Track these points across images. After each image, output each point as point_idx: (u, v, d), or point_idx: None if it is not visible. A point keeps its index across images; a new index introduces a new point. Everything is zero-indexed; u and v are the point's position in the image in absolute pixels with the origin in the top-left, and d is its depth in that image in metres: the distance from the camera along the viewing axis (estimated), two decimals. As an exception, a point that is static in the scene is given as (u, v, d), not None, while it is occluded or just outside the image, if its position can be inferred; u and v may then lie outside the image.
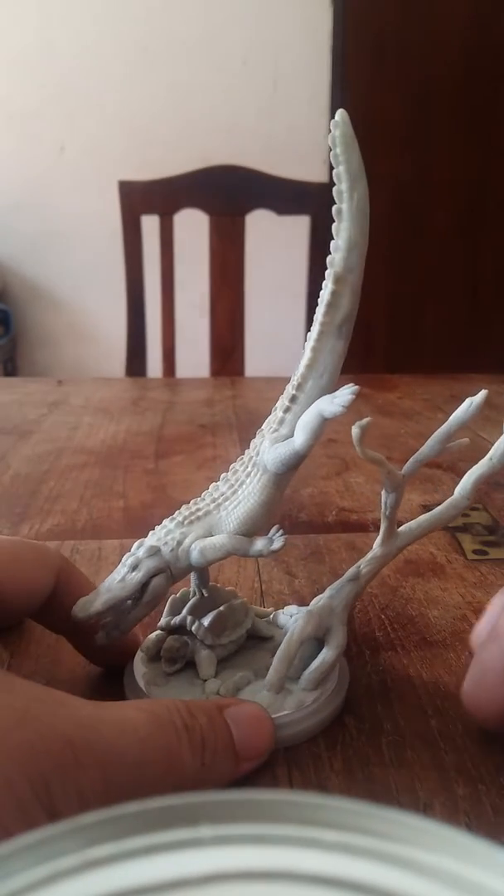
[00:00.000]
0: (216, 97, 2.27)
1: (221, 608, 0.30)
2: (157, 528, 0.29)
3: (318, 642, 0.30)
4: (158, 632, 0.31)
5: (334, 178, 0.26)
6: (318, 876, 0.11)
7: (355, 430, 0.26)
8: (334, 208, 0.27)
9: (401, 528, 0.31)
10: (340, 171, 0.26)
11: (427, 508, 0.52)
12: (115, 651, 0.30)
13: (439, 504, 0.52)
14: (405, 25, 2.26)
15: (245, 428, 0.71)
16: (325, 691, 0.29)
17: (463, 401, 0.29)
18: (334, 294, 0.27)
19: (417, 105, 2.33)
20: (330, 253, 0.27)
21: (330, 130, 0.26)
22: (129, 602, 0.28)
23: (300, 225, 1.27)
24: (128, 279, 1.27)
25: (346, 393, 0.27)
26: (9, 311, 2.38)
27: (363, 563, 0.31)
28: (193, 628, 0.30)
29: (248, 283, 1.27)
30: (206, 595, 0.31)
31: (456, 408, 0.30)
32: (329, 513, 0.51)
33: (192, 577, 0.31)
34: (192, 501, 0.30)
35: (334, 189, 0.27)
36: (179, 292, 1.28)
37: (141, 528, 0.32)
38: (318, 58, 2.29)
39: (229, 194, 1.25)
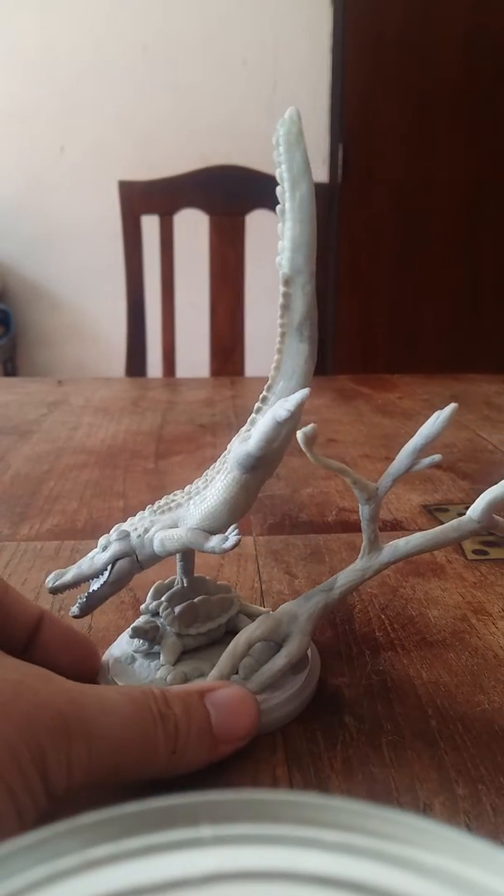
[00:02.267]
0: (216, 97, 2.27)
1: (195, 600, 0.31)
2: (138, 513, 0.30)
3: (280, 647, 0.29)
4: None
5: (277, 178, 0.26)
6: (318, 876, 0.11)
7: (300, 437, 0.26)
8: (278, 208, 0.27)
9: (389, 543, 0.29)
10: (282, 170, 0.26)
11: (427, 508, 0.52)
12: (66, 670, 0.30)
13: (439, 505, 0.52)
14: (405, 25, 2.26)
15: (245, 428, 0.71)
16: (271, 698, 0.28)
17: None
18: (285, 295, 0.28)
19: (417, 105, 2.33)
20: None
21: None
22: (102, 581, 0.30)
23: (300, 225, 1.27)
24: (128, 279, 1.27)
25: (296, 396, 0.26)
26: (9, 311, 2.38)
27: (341, 576, 0.29)
28: (164, 614, 0.30)
29: (248, 283, 1.27)
30: (185, 584, 0.32)
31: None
32: (329, 513, 0.51)
33: (178, 565, 0.32)
34: (173, 493, 0.30)
35: (277, 189, 0.27)
36: (179, 292, 1.28)
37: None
38: (318, 58, 2.29)
39: (229, 194, 1.25)
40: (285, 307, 0.28)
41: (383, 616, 0.37)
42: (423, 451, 0.28)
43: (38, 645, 0.29)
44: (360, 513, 0.29)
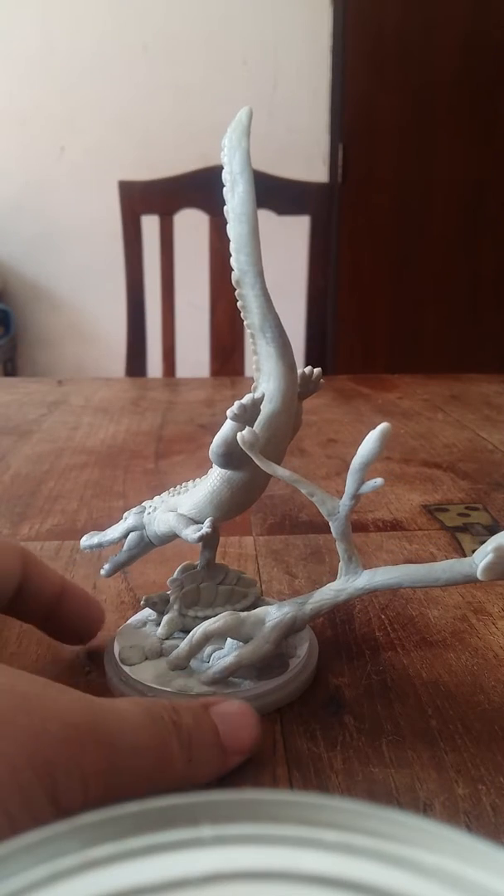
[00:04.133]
0: (216, 97, 2.27)
1: (201, 585, 0.32)
2: (164, 493, 0.32)
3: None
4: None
5: (223, 179, 0.27)
6: (318, 876, 0.11)
7: (239, 440, 0.26)
8: (224, 209, 0.27)
9: (368, 570, 0.28)
10: (225, 172, 0.27)
11: (427, 508, 0.52)
12: (82, 633, 0.32)
13: (439, 505, 0.52)
14: (405, 26, 2.26)
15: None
16: (219, 692, 0.28)
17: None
18: (238, 296, 0.28)
19: (417, 105, 2.33)
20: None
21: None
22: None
23: (300, 225, 1.27)
24: (128, 279, 1.27)
25: (245, 398, 0.27)
26: (9, 311, 2.38)
27: (317, 593, 0.29)
28: (172, 589, 0.32)
29: (248, 283, 1.27)
30: (204, 567, 0.33)
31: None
32: (329, 513, 0.51)
33: (201, 549, 0.33)
34: (192, 479, 0.32)
35: (224, 190, 0.27)
36: (179, 292, 1.28)
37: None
38: (318, 58, 2.29)
39: (229, 194, 1.25)
40: (243, 308, 0.28)
41: (383, 616, 0.37)
42: (365, 470, 0.26)
43: (59, 614, 0.31)
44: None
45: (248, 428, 0.26)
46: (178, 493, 0.31)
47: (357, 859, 0.11)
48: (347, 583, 0.28)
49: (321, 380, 0.31)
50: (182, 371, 1.30)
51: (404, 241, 2.44)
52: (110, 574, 0.34)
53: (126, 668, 0.30)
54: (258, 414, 0.28)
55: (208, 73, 2.28)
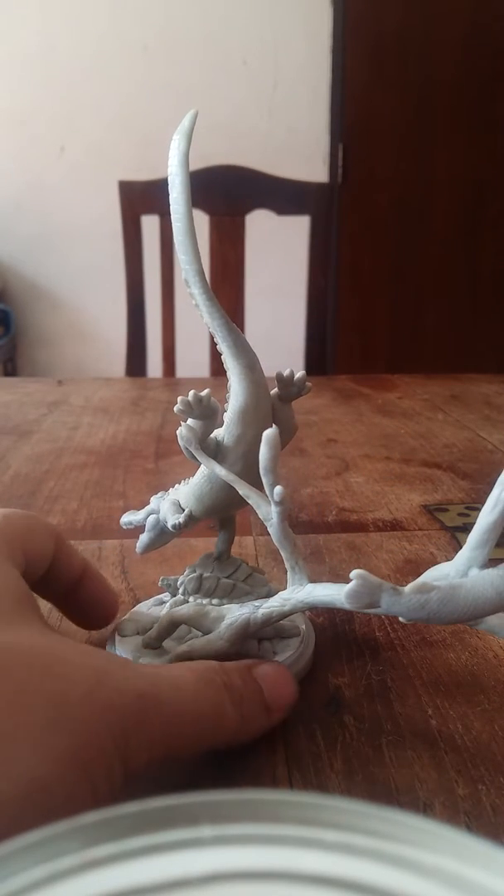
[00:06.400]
0: (216, 97, 2.27)
1: (204, 574, 0.32)
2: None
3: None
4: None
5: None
6: (318, 876, 0.11)
7: (178, 434, 0.27)
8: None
9: (313, 583, 0.26)
10: (168, 173, 0.27)
11: (427, 508, 0.52)
12: (97, 617, 0.33)
13: (439, 504, 0.52)
14: (405, 25, 2.26)
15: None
16: None
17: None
18: (190, 296, 0.28)
19: (417, 105, 2.33)
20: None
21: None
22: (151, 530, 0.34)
23: (300, 225, 1.27)
24: (128, 279, 1.27)
25: (187, 396, 0.28)
26: (9, 311, 2.38)
27: (270, 601, 0.28)
28: (185, 572, 0.33)
29: (248, 283, 1.27)
30: (217, 556, 0.33)
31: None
32: (329, 513, 0.51)
33: (216, 541, 0.34)
34: None
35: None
36: (179, 292, 1.28)
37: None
38: (318, 58, 2.29)
39: (229, 194, 1.25)
40: (196, 307, 0.29)
41: (383, 616, 0.37)
42: (270, 476, 0.26)
43: (77, 597, 0.32)
44: None
45: (185, 422, 0.27)
46: (186, 484, 0.32)
47: (357, 859, 0.11)
48: (293, 593, 0.27)
49: (307, 382, 0.31)
50: (182, 371, 1.30)
51: (404, 240, 2.44)
52: (142, 552, 0.35)
53: (117, 637, 0.31)
54: (211, 411, 0.28)
55: (208, 73, 2.28)
